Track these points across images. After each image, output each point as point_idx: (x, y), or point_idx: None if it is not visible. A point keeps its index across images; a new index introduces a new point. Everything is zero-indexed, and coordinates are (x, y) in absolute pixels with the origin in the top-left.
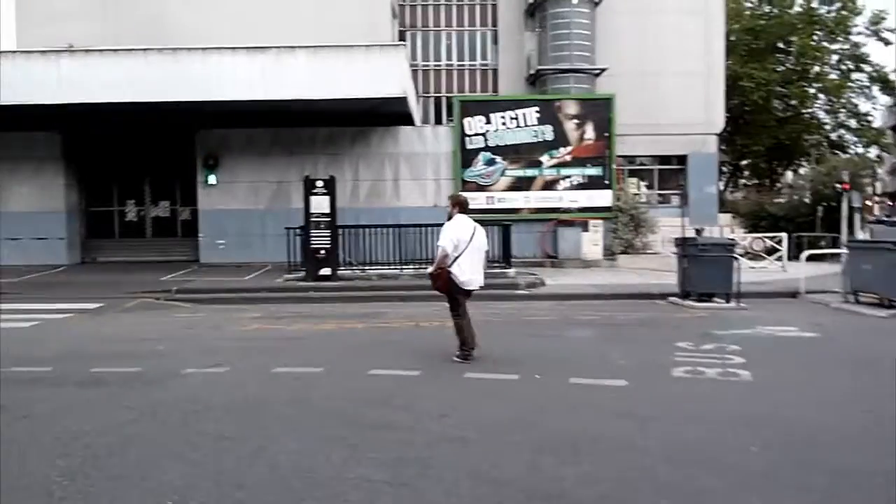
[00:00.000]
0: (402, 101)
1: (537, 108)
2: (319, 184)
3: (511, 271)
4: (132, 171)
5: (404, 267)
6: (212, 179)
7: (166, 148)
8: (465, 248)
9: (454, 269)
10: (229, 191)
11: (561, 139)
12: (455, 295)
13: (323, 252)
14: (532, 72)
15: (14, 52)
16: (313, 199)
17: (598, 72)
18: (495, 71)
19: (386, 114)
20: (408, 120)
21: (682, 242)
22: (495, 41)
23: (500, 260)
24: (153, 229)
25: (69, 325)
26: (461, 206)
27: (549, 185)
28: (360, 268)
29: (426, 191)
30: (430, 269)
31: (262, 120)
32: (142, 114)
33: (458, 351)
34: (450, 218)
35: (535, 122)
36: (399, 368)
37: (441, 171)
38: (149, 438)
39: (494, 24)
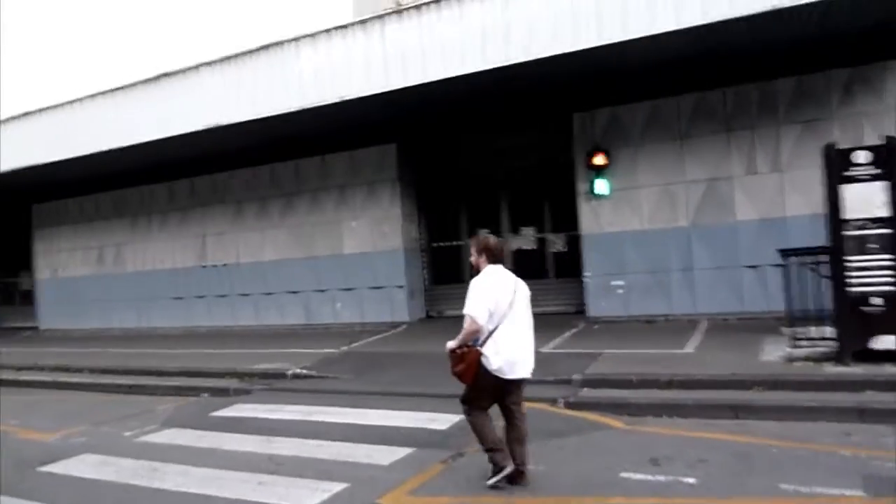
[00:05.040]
0: None
1: None
2: (862, 157)
3: None
4: (483, 187)
5: None
6: (600, 187)
7: (527, 146)
8: (505, 318)
9: (487, 350)
10: (628, 202)
11: None
12: (480, 387)
13: (880, 301)
14: None
15: (329, 30)
16: (849, 189)
17: None
18: None
19: None
20: None
21: None
22: None
23: None
24: (513, 268)
25: None
26: (491, 252)
27: None
28: None
29: None
30: (451, 343)
31: (676, 79)
32: (492, 96)
33: (492, 467)
34: (476, 272)
35: None
36: None
37: None
38: None
39: None
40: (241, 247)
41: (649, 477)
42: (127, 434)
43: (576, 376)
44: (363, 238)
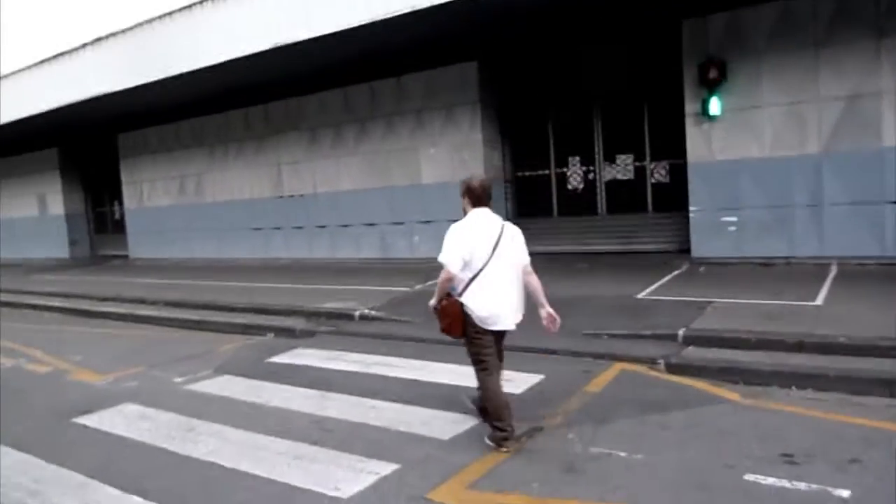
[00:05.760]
0: None
1: None
2: None
3: None
4: (574, 109)
5: None
6: (713, 107)
7: (626, 59)
8: (486, 265)
9: (467, 299)
10: (746, 124)
11: None
12: (475, 339)
13: None
14: None
15: None
16: None
17: None
18: None
19: None
20: None
21: None
22: None
23: None
24: (607, 201)
25: None
26: (473, 194)
27: None
28: None
29: None
30: (432, 301)
31: None
32: (585, 2)
33: (491, 431)
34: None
35: None
36: None
37: None
38: None
39: None
40: (317, 176)
41: (785, 483)
42: (178, 380)
43: (679, 331)
44: (442, 166)
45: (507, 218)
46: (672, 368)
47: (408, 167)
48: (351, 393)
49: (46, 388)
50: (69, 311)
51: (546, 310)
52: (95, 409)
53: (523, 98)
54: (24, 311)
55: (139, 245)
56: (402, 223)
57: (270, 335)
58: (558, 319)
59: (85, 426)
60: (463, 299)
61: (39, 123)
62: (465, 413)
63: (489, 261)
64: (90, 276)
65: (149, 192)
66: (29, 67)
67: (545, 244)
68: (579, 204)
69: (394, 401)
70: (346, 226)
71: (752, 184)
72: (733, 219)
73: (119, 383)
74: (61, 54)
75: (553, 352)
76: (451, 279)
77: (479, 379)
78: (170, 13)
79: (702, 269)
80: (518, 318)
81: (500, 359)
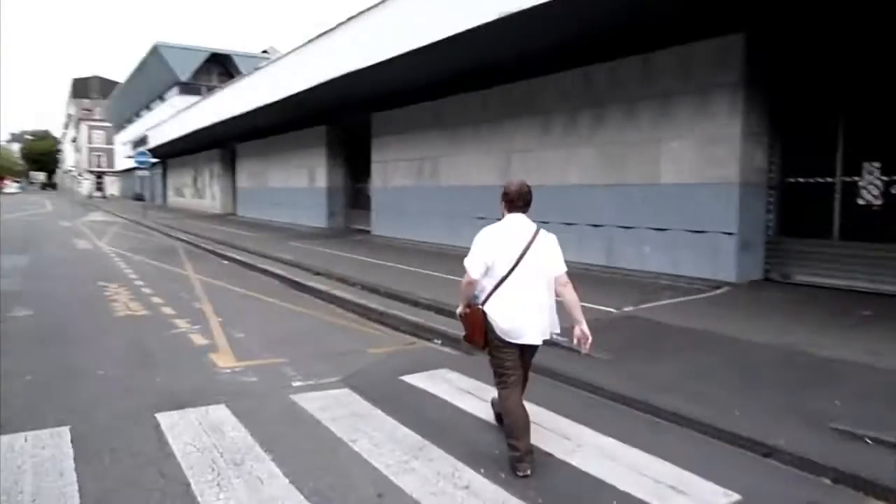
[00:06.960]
0: None
1: None
2: None
3: None
4: (878, 98)
5: None
6: None
7: None
8: (511, 273)
9: (489, 308)
10: None
11: None
12: (495, 352)
13: None
14: None
15: None
16: None
17: None
18: None
19: None
20: None
21: None
22: None
23: None
24: None
25: None
26: (508, 198)
27: None
28: None
29: None
30: (459, 308)
31: None
32: None
33: (510, 453)
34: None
35: None
36: None
37: None
38: None
39: None
40: (546, 166)
41: None
42: (297, 384)
43: None
44: (686, 164)
45: (767, 235)
46: None
47: (645, 163)
48: (454, 453)
49: (180, 366)
50: (284, 279)
51: (580, 328)
52: (187, 405)
53: (805, 81)
54: (254, 273)
55: (381, 223)
56: (631, 227)
57: (437, 342)
58: (590, 339)
59: (157, 426)
60: (486, 308)
61: (309, 100)
62: None
63: (514, 268)
64: (325, 249)
65: (392, 172)
66: (296, 49)
67: (816, 274)
68: (872, 226)
69: (503, 484)
70: (569, 224)
71: None
72: None
73: (242, 375)
74: (323, 34)
75: (770, 451)
76: (471, 284)
77: (498, 393)
78: None
79: None
80: (546, 334)
81: (525, 377)
